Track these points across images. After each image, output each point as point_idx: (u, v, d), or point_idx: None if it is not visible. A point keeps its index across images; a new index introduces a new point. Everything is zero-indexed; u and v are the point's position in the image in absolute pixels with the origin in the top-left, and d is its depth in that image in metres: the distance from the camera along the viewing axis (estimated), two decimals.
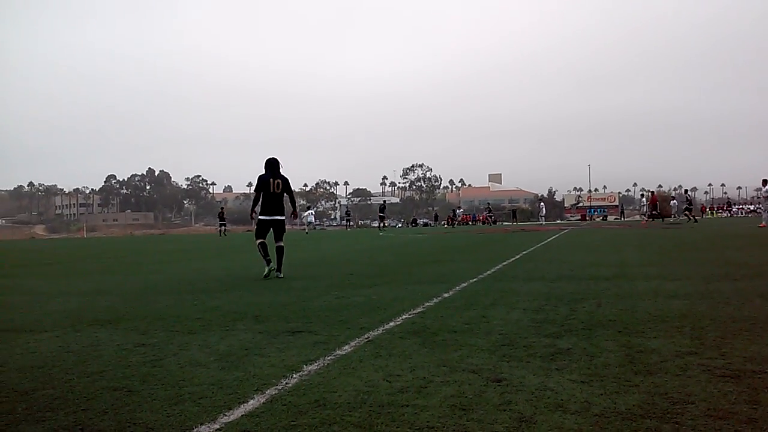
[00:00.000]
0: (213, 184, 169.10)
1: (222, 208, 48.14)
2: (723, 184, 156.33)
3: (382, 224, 50.14)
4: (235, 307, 6.56)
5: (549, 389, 3.20)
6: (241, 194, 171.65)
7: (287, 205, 10.31)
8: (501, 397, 3.09)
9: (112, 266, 14.30)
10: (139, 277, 10.71)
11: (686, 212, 38.90)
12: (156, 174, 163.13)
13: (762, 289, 6.55)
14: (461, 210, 63.85)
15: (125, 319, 5.92)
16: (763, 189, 25.21)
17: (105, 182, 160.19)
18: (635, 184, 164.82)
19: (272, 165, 9.80)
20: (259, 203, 9.85)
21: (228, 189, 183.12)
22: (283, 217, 9.90)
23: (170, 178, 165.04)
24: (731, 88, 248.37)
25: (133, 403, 3.20)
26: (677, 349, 3.99)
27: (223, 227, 44.93)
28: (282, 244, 9.85)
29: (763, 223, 24.30)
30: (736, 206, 77.27)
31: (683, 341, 4.20)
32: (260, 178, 9.72)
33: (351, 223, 51.40)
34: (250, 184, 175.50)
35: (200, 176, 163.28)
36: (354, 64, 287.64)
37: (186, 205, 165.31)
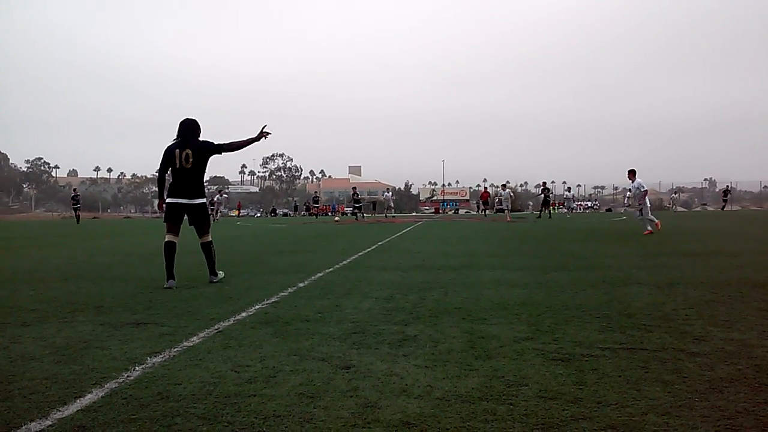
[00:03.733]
0: (56, 167, 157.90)
1: (75, 189, 44.19)
2: (564, 182, 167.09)
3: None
4: (75, 297, 6.19)
5: (395, 375, 3.30)
6: (87, 178, 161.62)
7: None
8: (348, 384, 3.15)
9: None
10: None
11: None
12: None
13: (593, 279, 7.09)
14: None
15: None
16: (632, 183, 17.03)
17: None
18: (485, 180, 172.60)
19: (183, 129, 7.13)
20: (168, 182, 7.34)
21: (73, 173, 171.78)
22: (202, 201, 7.28)
23: (8, 159, 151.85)
24: (577, 94, 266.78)
25: None
26: (515, 334, 4.25)
27: (76, 211, 41.49)
28: (209, 239, 7.42)
29: (649, 228, 16.42)
30: (576, 203, 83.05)
31: (521, 327, 4.48)
32: (166, 149, 7.16)
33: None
34: (97, 168, 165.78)
35: (42, 159, 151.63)
36: (216, 50, 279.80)
37: (26, 189, 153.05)
